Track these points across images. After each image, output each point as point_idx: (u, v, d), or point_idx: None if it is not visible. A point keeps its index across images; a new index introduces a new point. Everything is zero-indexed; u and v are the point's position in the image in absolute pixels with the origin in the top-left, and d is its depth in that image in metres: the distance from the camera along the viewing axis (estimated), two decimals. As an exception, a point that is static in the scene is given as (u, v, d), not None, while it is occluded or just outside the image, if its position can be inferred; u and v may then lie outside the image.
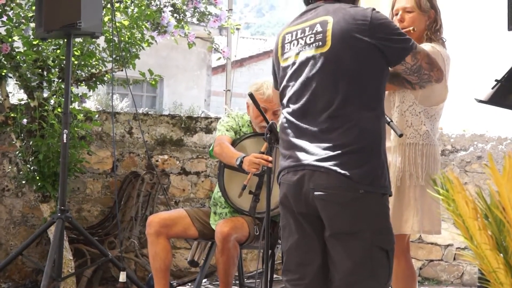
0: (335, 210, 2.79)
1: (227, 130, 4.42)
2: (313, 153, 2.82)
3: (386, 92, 3.86)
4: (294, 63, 2.97)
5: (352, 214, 2.79)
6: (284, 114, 3.00)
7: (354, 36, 2.85)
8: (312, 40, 2.93)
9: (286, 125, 2.97)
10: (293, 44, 2.99)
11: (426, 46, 3.80)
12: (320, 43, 2.90)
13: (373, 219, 2.82)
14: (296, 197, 2.87)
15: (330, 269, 2.87)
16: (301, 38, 2.97)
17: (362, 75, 2.87)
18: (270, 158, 3.83)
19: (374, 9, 2.96)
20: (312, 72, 2.90)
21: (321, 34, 2.90)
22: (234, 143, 4.30)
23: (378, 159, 2.83)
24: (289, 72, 2.98)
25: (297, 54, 2.96)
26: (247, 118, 4.52)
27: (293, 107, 2.95)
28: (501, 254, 1.93)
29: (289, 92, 2.98)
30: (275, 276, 4.39)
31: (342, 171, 2.74)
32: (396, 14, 3.94)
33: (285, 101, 3.01)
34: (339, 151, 2.78)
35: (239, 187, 4.05)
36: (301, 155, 2.85)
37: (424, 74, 3.05)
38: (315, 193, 2.79)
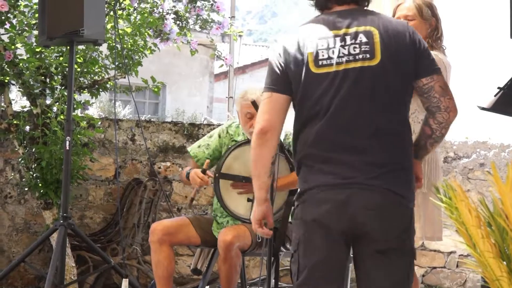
0: (387, 227, 2.72)
1: (198, 146, 4.50)
2: (362, 170, 2.72)
3: (389, 100, 3.87)
4: (336, 73, 2.78)
5: (402, 230, 2.74)
6: (312, 125, 2.81)
7: (401, 52, 2.81)
8: (358, 51, 2.80)
9: (316, 137, 2.79)
10: (332, 52, 2.80)
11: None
12: (368, 55, 2.79)
13: (413, 235, 2.82)
14: (341, 216, 2.73)
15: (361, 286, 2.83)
16: (342, 46, 2.80)
17: (405, 91, 2.85)
18: (205, 179, 4.20)
19: (407, 22, 3.01)
20: (359, 85, 2.77)
21: (368, 46, 2.80)
22: (227, 151, 4.20)
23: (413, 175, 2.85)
24: (326, 81, 2.78)
25: (340, 63, 2.79)
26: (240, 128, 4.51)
27: (330, 119, 2.77)
28: (505, 262, 1.93)
29: (324, 102, 2.78)
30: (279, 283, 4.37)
31: (395, 189, 2.70)
32: (398, 22, 3.96)
33: (312, 111, 2.80)
34: (388, 169, 2.74)
35: (237, 197, 4.13)
36: (347, 172, 2.73)
37: (434, 97, 2.92)
38: (368, 212, 2.71)
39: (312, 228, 2.78)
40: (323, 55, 2.80)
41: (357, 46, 2.80)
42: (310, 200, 2.78)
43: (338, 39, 2.82)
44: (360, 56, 2.79)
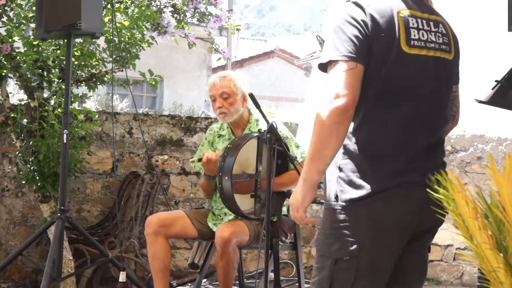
0: (437, 222, 2.63)
1: (199, 160, 4.49)
2: (432, 167, 2.51)
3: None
4: (427, 58, 2.56)
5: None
6: (392, 114, 2.52)
7: (459, 52, 2.73)
8: (441, 41, 2.62)
9: (399, 127, 2.53)
10: (422, 35, 2.56)
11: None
12: (448, 48, 2.64)
13: None
14: (419, 215, 2.56)
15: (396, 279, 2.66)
16: (429, 31, 2.58)
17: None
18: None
19: None
20: (439, 77, 2.60)
21: (447, 38, 2.64)
22: (230, 152, 4.10)
23: None
24: (417, 65, 2.54)
25: (429, 49, 2.56)
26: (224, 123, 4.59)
27: (415, 109, 2.54)
28: (501, 254, 1.94)
29: (405, 87, 2.52)
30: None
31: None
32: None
33: (397, 96, 2.51)
34: (442, 167, 2.61)
35: (243, 198, 4.10)
36: (424, 168, 2.52)
37: (454, 106, 2.84)
38: (432, 209, 2.47)
39: (387, 233, 2.53)
40: (414, 35, 2.54)
41: (440, 35, 2.62)
42: (386, 199, 2.49)
43: (424, 21, 2.59)
44: (443, 47, 2.62)
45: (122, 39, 5.40)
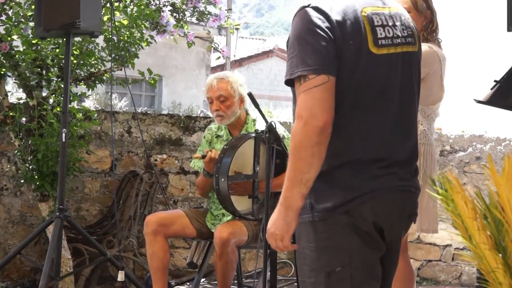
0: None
1: (199, 160, 4.56)
2: (409, 171, 2.52)
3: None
4: (397, 56, 2.44)
5: None
6: (366, 119, 2.41)
7: (420, 38, 2.62)
8: (406, 33, 2.49)
9: (374, 132, 2.42)
10: (388, 31, 2.43)
11: (423, 47, 3.83)
12: (412, 40, 2.51)
13: None
14: (399, 222, 2.52)
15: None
16: (393, 26, 2.45)
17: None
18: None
19: None
20: (410, 72, 2.51)
21: (410, 29, 2.52)
22: (227, 153, 4.11)
23: None
24: (387, 66, 2.42)
25: (397, 45, 2.44)
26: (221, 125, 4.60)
27: (390, 112, 2.44)
28: (500, 254, 1.94)
29: (379, 90, 2.40)
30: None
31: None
32: (394, 15, 3.96)
33: (370, 100, 2.40)
34: (416, 172, 2.58)
35: (241, 198, 4.10)
36: (402, 171, 2.48)
37: None
38: (413, 215, 2.57)
39: (371, 237, 2.44)
40: (381, 33, 2.41)
41: (403, 27, 2.49)
42: (365, 204, 2.39)
43: (386, 16, 2.46)
44: (409, 40, 2.49)
45: (121, 38, 5.40)
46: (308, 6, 2.36)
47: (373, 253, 2.46)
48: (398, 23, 2.47)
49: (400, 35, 2.46)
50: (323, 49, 2.28)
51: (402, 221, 2.54)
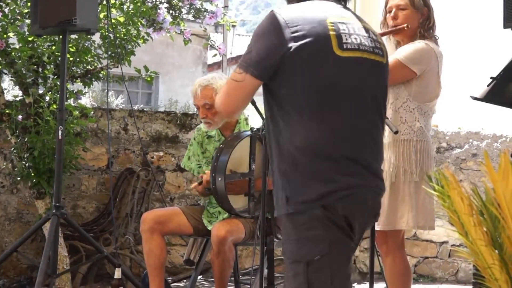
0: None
1: (188, 159, 4.67)
2: (379, 172, 2.65)
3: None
4: (362, 59, 2.59)
5: None
6: (334, 117, 2.53)
7: (387, 56, 2.79)
8: (373, 45, 2.65)
9: (340, 127, 2.54)
10: (354, 39, 2.58)
11: (420, 44, 3.83)
12: (379, 52, 2.67)
13: None
14: (365, 218, 2.66)
15: None
16: (361, 36, 2.62)
17: None
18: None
19: None
20: (376, 77, 2.66)
21: (378, 43, 2.68)
22: (222, 154, 4.05)
23: None
24: (351, 66, 2.56)
25: (363, 51, 2.58)
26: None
27: (351, 109, 2.56)
28: (496, 250, 1.94)
29: (345, 89, 2.54)
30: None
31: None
32: (390, 12, 3.98)
33: (332, 99, 2.52)
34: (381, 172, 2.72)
35: (237, 196, 4.09)
36: (373, 172, 2.61)
37: None
38: (377, 215, 2.74)
39: (345, 230, 2.56)
40: (346, 39, 2.56)
41: (371, 40, 2.64)
42: (340, 202, 2.51)
43: (354, 27, 2.62)
44: (377, 51, 2.64)
45: (118, 35, 5.40)
46: (276, 11, 2.54)
47: (349, 244, 2.58)
48: (365, 35, 2.62)
49: (367, 44, 2.60)
50: (263, 54, 2.51)
51: (369, 221, 2.70)
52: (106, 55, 5.36)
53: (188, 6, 5.73)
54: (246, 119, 4.52)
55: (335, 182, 2.49)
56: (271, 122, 2.62)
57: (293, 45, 2.48)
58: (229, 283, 4.35)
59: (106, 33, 5.28)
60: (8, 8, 5.21)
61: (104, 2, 5.26)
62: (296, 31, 2.49)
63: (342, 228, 2.52)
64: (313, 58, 2.49)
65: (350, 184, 2.50)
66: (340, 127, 2.52)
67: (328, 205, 2.48)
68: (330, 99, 2.50)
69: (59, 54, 5.11)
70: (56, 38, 5.25)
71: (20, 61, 5.19)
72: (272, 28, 2.52)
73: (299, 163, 2.50)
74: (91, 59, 5.49)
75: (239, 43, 18.52)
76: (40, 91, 5.36)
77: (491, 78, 3.75)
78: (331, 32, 2.52)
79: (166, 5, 5.68)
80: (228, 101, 2.64)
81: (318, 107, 2.50)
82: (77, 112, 5.43)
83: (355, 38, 2.58)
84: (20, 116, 5.25)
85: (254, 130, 3.88)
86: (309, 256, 2.51)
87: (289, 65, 2.49)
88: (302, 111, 2.50)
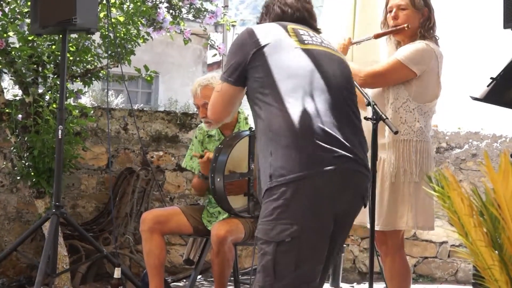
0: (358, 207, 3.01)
1: (190, 159, 4.65)
2: (354, 150, 2.80)
3: (380, 89, 3.90)
4: (324, 51, 2.97)
5: None
6: (318, 99, 2.79)
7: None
8: (331, 47, 3.06)
9: (322, 111, 2.77)
10: (314, 39, 2.99)
11: (420, 44, 3.83)
12: (338, 53, 3.08)
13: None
14: (349, 200, 2.87)
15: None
16: (320, 39, 3.04)
17: None
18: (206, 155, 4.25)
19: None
20: (341, 67, 3.00)
21: (336, 50, 3.10)
22: (222, 152, 4.04)
23: None
24: (316, 55, 2.92)
25: (324, 47, 2.99)
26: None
27: (323, 95, 2.82)
28: (496, 251, 1.94)
29: (312, 76, 2.85)
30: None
31: None
32: (390, 11, 3.98)
33: (301, 86, 2.81)
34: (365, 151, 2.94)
35: (237, 196, 4.08)
36: (353, 153, 2.78)
37: None
38: (364, 198, 2.94)
39: (319, 208, 2.72)
40: (306, 39, 2.96)
41: (328, 43, 3.07)
42: (314, 181, 2.68)
43: (315, 33, 3.06)
44: (330, 47, 3.05)
45: (118, 34, 5.39)
46: (247, 28, 2.98)
47: (323, 234, 2.73)
48: (325, 41, 3.04)
49: (328, 45, 3.02)
50: (235, 63, 2.92)
51: (355, 202, 2.85)
52: (106, 55, 5.36)
53: (188, 5, 5.73)
54: (246, 119, 4.52)
55: (315, 161, 2.67)
56: (257, 118, 2.87)
57: (258, 47, 2.87)
58: (228, 283, 4.35)
59: (106, 33, 5.28)
60: (8, 7, 5.20)
61: (104, 2, 5.26)
62: (260, 37, 2.89)
63: (318, 214, 2.68)
64: (277, 51, 2.86)
65: (331, 163, 2.67)
66: (314, 108, 2.74)
67: (307, 182, 2.65)
68: (299, 84, 2.79)
69: (59, 53, 5.10)
70: (56, 38, 5.25)
71: (20, 61, 5.18)
72: (241, 41, 2.95)
73: (278, 145, 2.70)
74: (91, 58, 5.48)
75: (239, 43, 18.46)
76: (40, 91, 5.35)
77: (491, 78, 3.75)
78: (291, 33, 2.94)
79: (166, 4, 5.68)
80: (214, 109, 3.06)
81: (287, 93, 2.77)
82: (77, 112, 5.42)
83: (316, 39, 2.98)
84: (20, 116, 5.24)
85: (253, 130, 3.88)
86: (280, 237, 2.66)
87: (255, 63, 2.85)
88: (275, 98, 2.77)
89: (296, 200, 2.66)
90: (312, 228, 2.69)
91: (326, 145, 2.68)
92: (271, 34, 2.92)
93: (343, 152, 2.71)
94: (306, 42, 2.93)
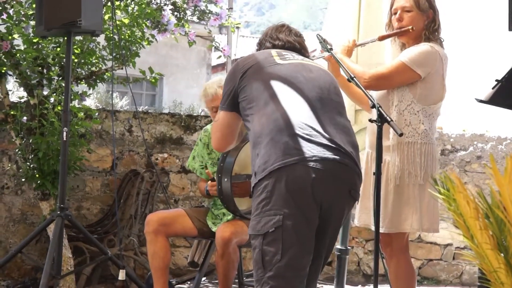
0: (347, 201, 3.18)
1: (193, 159, 4.74)
2: (338, 143, 2.98)
3: (385, 91, 3.90)
4: (301, 64, 3.21)
5: None
6: (298, 101, 3.06)
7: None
8: (301, 57, 3.34)
9: (303, 110, 3.03)
10: (292, 56, 3.27)
11: (425, 46, 3.82)
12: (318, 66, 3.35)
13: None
14: (336, 191, 3.01)
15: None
16: (299, 57, 3.32)
17: None
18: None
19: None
20: (321, 74, 3.23)
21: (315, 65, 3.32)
22: (237, 148, 3.99)
23: None
24: (294, 66, 3.18)
25: (300, 60, 3.26)
26: None
27: (296, 99, 3.06)
28: (502, 254, 1.93)
29: (293, 83, 3.10)
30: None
31: None
32: (395, 13, 3.97)
33: (295, 89, 3.08)
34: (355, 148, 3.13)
35: (243, 198, 4.08)
36: (338, 147, 2.95)
37: None
38: (355, 193, 3.09)
39: (306, 202, 2.86)
40: (288, 57, 3.24)
41: (309, 60, 3.36)
42: (297, 170, 2.85)
43: (294, 54, 3.30)
44: (313, 62, 3.33)
45: (122, 37, 5.40)
46: (237, 59, 3.30)
47: (306, 222, 2.84)
48: (308, 60, 3.33)
49: (307, 60, 3.30)
50: (228, 92, 3.19)
51: (342, 195, 2.95)
52: (110, 57, 5.36)
53: (193, 7, 5.73)
54: None
55: (293, 152, 2.84)
56: (248, 132, 3.07)
57: (244, 71, 3.14)
58: (233, 285, 4.34)
59: (111, 35, 5.28)
60: (13, 9, 5.21)
61: (109, 4, 5.27)
62: (246, 64, 3.17)
63: (299, 202, 2.82)
64: (259, 69, 3.13)
65: (312, 154, 2.84)
66: (295, 108, 2.97)
67: (286, 172, 2.81)
68: (279, 90, 3.03)
69: (64, 55, 5.11)
70: (61, 40, 5.26)
71: (25, 63, 5.19)
72: (231, 72, 3.23)
73: (261, 146, 2.91)
74: (96, 60, 5.49)
75: (243, 45, 18.51)
76: (45, 93, 5.36)
77: (496, 80, 3.74)
78: (274, 55, 3.21)
79: (170, 7, 5.68)
80: (214, 138, 3.33)
81: (268, 99, 3.00)
82: (82, 114, 5.43)
83: (298, 57, 3.27)
84: (25, 118, 5.25)
85: None
86: (265, 228, 2.83)
87: (243, 85, 3.11)
88: (259, 106, 3.01)
89: (277, 190, 2.82)
90: (295, 216, 2.81)
91: (306, 136, 2.87)
92: (255, 58, 3.20)
93: (325, 142, 2.88)
94: (287, 59, 3.21)
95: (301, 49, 3.39)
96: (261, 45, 3.45)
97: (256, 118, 2.99)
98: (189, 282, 6.04)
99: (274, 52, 3.25)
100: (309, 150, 2.84)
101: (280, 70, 3.12)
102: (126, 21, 5.44)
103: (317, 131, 2.90)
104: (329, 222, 2.96)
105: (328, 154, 2.86)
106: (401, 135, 3.36)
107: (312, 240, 2.88)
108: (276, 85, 3.05)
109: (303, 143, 2.85)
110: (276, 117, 2.93)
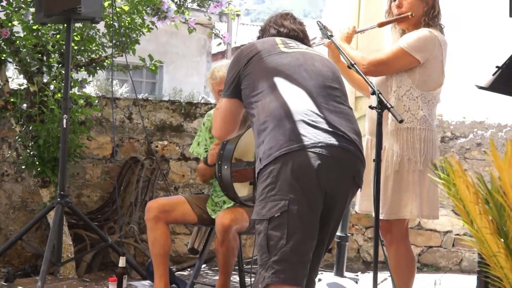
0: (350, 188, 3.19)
1: (197, 144, 4.69)
2: (342, 130, 3.01)
3: (383, 77, 3.89)
4: (303, 53, 3.21)
5: None
6: (302, 88, 3.08)
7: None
8: (306, 47, 3.35)
9: (306, 98, 3.05)
10: (296, 44, 3.28)
11: (423, 31, 3.81)
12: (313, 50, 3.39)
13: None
14: (341, 177, 3.02)
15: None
16: (303, 46, 3.33)
17: None
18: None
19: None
20: (323, 61, 3.25)
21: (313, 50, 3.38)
22: (236, 136, 3.95)
23: None
24: (293, 56, 3.17)
25: (303, 49, 3.25)
26: None
27: (311, 85, 3.08)
28: (502, 239, 1.94)
29: (292, 72, 3.11)
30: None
31: None
32: (395, 0, 3.96)
33: (299, 76, 3.09)
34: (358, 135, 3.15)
35: (242, 185, 4.08)
36: (340, 133, 2.97)
37: None
38: (358, 179, 3.09)
39: (306, 182, 2.86)
40: (292, 45, 3.25)
41: (312, 49, 3.36)
42: (300, 156, 2.85)
43: (298, 43, 3.32)
44: (317, 52, 3.31)
45: (122, 24, 5.39)
46: (241, 46, 3.32)
47: (311, 208, 2.85)
48: (312, 49, 3.34)
49: (311, 49, 3.32)
50: (230, 79, 3.19)
51: (346, 180, 2.96)
52: (110, 44, 5.36)
53: (193, -6, 5.72)
54: None
55: (297, 135, 2.85)
56: (252, 119, 3.07)
57: (249, 58, 3.14)
58: (233, 272, 4.35)
59: (111, 22, 5.27)
60: (12, -4, 5.20)
61: (109, -9, 5.26)
62: (250, 51, 3.18)
63: (305, 188, 2.82)
64: (264, 56, 3.13)
65: (317, 140, 2.85)
66: (298, 95, 2.99)
67: (292, 157, 2.82)
68: (284, 78, 3.05)
69: (63, 42, 5.11)
70: (61, 27, 5.25)
71: (24, 50, 5.19)
72: (234, 59, 3.23)
73: (266, 132, 2.92)
74: (96, 47, 5.49)
75: (243, 32, 18.46)
76: (45, 80, 5.36)
77: (497, 67, 3.74)
78: (279, 43, 3.23)
79: (170, -7, 5.67)
80: (215, 126, 3.28)
81: (273, 87, 3.02)
82: (82, 101, 5.43)
83: (302, 46, 3.28)
84: (24, 105, 5.25)
85: None
86: (270, 213, 2.83)
87: (247, 71, 3.12)
88: (263, 94, 3.01)
89: (283, 175, 2.83)
90: (300, 201, 2.82)
91: (311, 122, 2.89)
92: (259, 45, 3.21)
93: (330, 129, 2.90)
94: (291, 47, 3.22)
95: (303, 38, 3.41)
96: (264, 31, 3.46)
97: (260, 105, 3.00)
98: (189, 269, 6.06)
99: (278, 40, 3.26)
100: (315, 136, 2.85)
101: (285, 58, 3.13)
102: (126, 8, 5.43)
103: (322, 117, 2.92)
104: (333, 208, 2.98)
105: (333, 141, 2.87)
106: (401, 121, 3.35)
107: (316, 226, 2.90)
108: (281, 73, 3.07)
109: (309, 129, 2.87)
110: (281, 103, 2.95)
